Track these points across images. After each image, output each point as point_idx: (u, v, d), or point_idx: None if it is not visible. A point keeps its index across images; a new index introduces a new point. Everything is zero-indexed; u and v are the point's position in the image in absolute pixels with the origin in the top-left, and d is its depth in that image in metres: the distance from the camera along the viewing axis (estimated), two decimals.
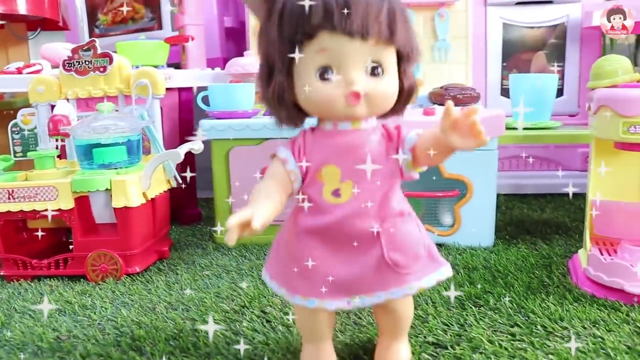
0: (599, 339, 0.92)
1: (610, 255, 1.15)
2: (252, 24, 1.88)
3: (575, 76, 1.91)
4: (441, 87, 1.47)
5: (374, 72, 0.74)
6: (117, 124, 1.32)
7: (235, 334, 0.99)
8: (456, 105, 1.41)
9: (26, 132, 1.57)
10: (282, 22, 0.72)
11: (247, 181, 1.52)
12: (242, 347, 0.93)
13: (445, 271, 0.82)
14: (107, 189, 1.27)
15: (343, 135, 0.77)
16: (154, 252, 1.40)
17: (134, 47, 1.72)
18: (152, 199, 1.34)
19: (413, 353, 0.89)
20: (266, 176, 0.79)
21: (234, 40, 2.24)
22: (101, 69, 1.48)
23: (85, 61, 1.48)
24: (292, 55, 0.72)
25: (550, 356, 0.87)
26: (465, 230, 1.43)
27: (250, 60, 1.71)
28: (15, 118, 1.58)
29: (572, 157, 1.92)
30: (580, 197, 1.82)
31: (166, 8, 1.98)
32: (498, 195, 1.43)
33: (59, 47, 1.67)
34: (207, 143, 1.45)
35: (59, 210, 1.28)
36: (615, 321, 0.98)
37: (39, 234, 1.26)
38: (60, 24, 1.97)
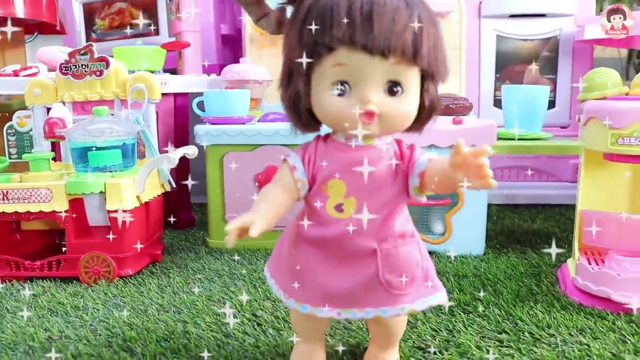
0: (585, 346, 0.93)
1: (598, 264, 1.16)
2: (249, 31, 1.89)
3: (567, 88, 1.93)
4: None
5: (392, 90, 0.72)
6: (112, 127, 1.33)
7: (226, 337, 1.00)
8: (448, 114, 1.44)
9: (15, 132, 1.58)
10: (303, 29, 0.71)
11: (240, 187, 1.53)
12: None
13: (439, 297, 0.81)
14: (101, 192, 1.28)
15: (354, 151, 0.76)
16: (146, 256, 1.40)
17: (130, 52, 1.74)
18: (145, 202, 1.35)
19: (401, 357, 0.90)
20: (273, 181, 0.79)
21: (231, 48, 2.25)
22: (98, 73, 1.49)
23: (82, 65, 1.49)
24: (308, 62, 0.71)
25: None
26: (456, 239, 1.44)
27: (246, 67, 1.72)
28: (11, 120, 1.59)
29: (563, 168, 1.94)
30: (571, 208, 1.84)
31: (163, 15, 2.00)
32: (489, 206, 1.44)
33: (56, 50, 1.68)
34: (201, 148, 1.46)
35: (53, 212, 1.28)
36: (602, 329, 0.99)
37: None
38: (58, 28, 1.98)
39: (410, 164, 0.76)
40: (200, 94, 1.62)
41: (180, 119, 1.80)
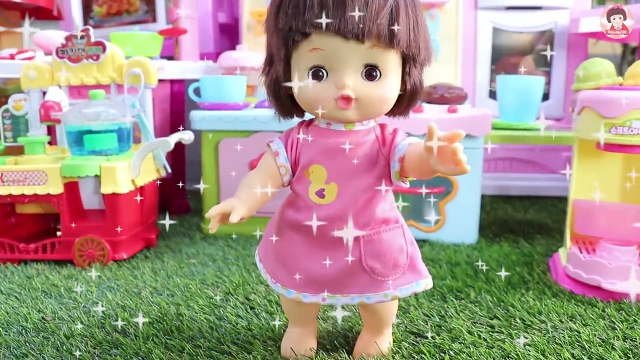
0: (575, 332, 0.94)
1: (589, 253, 1.17)
2: (246, 20, 1.89)
3: (562, 81, 1.94)
4: (429, 86, 1.49)
5: (370, 74, 0.72)
6: (108, 111, 1.33)
7: (219, 319, 1.01)
8: (443, 103, 1.44)
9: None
10: (278, 16, 0.71)
11: (236, 172, 1.53)
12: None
13: (424, 283, 0.80)
14: (96, 175, 1.28)
15: (335, 136, 0.76)
16: (141, 240, 1.41)
17: (127, 39, 1.73)
18: (140, 186, 1.35)
19: (394, 341, 0.91)
20: (257, 166, 0.80)
21: (228, 36, 2.25)
22: (94, 57, 1.49)
23: (78, 48, 1.49)
24: (286, 48, 0.71)
25: (528, 347, 0.89)
26: (450, 227, 1.45)
27: (243, 54, 1.72)
28: (6, 104, 1.59)
29: (556, 160, 1.94)
30: (564, 200, 1.85)
31: (161, 1, 1.99)
32: (483, 196, 1.45)
33: (53, 34, 1.68)
34: (197, 134, 1.46)
35: (48, 194, 1.29)
36: (592, 316, 1.00)
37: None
38: (55, 13, 1.98)
39: (391, 149, 0.75)
40: (197, 81, 1.62)
41: (176, 106, 1.80)
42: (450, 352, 0.88)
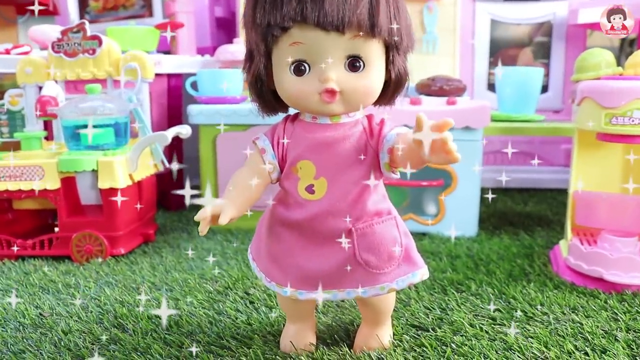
0: (578, 324, 0.94)
1: (590, 245, 1.17)
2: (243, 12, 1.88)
3: (561, 73, 1.93)
4: (428, 78, 1.48)
5: (353, 66, 0.70)
6: (105, 105, 1.32)
7: (218, 314, 1.00)
8: (442, 95, 1.43)
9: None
10: (256, 11, 0.70)
11: (234, 166, 1.52)
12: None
13: (420, 274, 0.79)
14: (93, 170, 1.27)
15: (321, 130, 0.75)
16: (139, 235, 1.40)
17: (124, 33, 1.72)
18: (138, 181, 1.34)
19: (395, 334, 0.90)
20: (245, 164, 0.79)
21: (225, 30, 2.23)
22: (90, 51, 1.48)
23: (74, 43, 1.47)
24: (266, 43, 0.70)
25: (530, 339, 0.88)
26: (450, 220, 1.44)
27: (240, 48, 1.71)
28: (2, 99, 1.58)
29: (555, 152, 1.94)
30: (564, 192, 1.84)
31: None
32: (482, 189, 1.44)
33: (49, 29, 1.66)
34: (195, 129, 1.45)
35: (45, 190, 1.28)
36: (594, 308, 1.00)
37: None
38: (51, 8, 1.96)
39: (379, 140, 0.74)
40: (194, 75, 1.61)
41: (174, 100, 1.79)
42: (452, 344, 0.87)
